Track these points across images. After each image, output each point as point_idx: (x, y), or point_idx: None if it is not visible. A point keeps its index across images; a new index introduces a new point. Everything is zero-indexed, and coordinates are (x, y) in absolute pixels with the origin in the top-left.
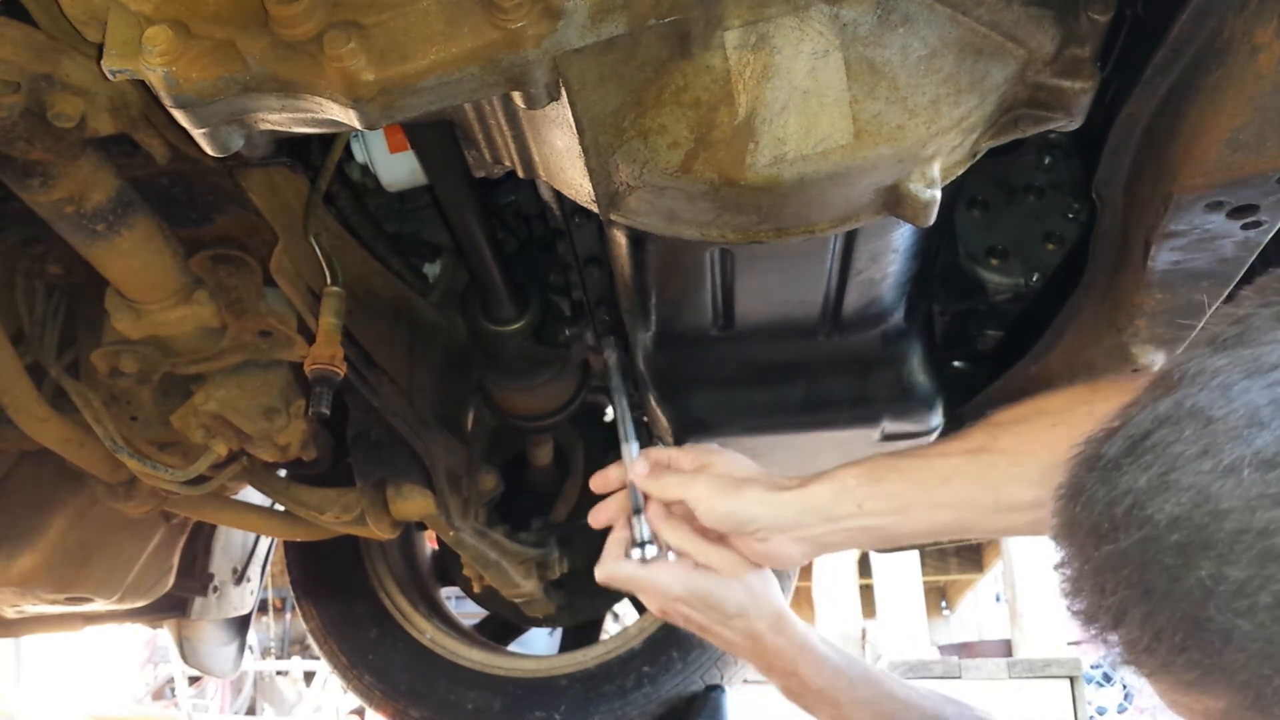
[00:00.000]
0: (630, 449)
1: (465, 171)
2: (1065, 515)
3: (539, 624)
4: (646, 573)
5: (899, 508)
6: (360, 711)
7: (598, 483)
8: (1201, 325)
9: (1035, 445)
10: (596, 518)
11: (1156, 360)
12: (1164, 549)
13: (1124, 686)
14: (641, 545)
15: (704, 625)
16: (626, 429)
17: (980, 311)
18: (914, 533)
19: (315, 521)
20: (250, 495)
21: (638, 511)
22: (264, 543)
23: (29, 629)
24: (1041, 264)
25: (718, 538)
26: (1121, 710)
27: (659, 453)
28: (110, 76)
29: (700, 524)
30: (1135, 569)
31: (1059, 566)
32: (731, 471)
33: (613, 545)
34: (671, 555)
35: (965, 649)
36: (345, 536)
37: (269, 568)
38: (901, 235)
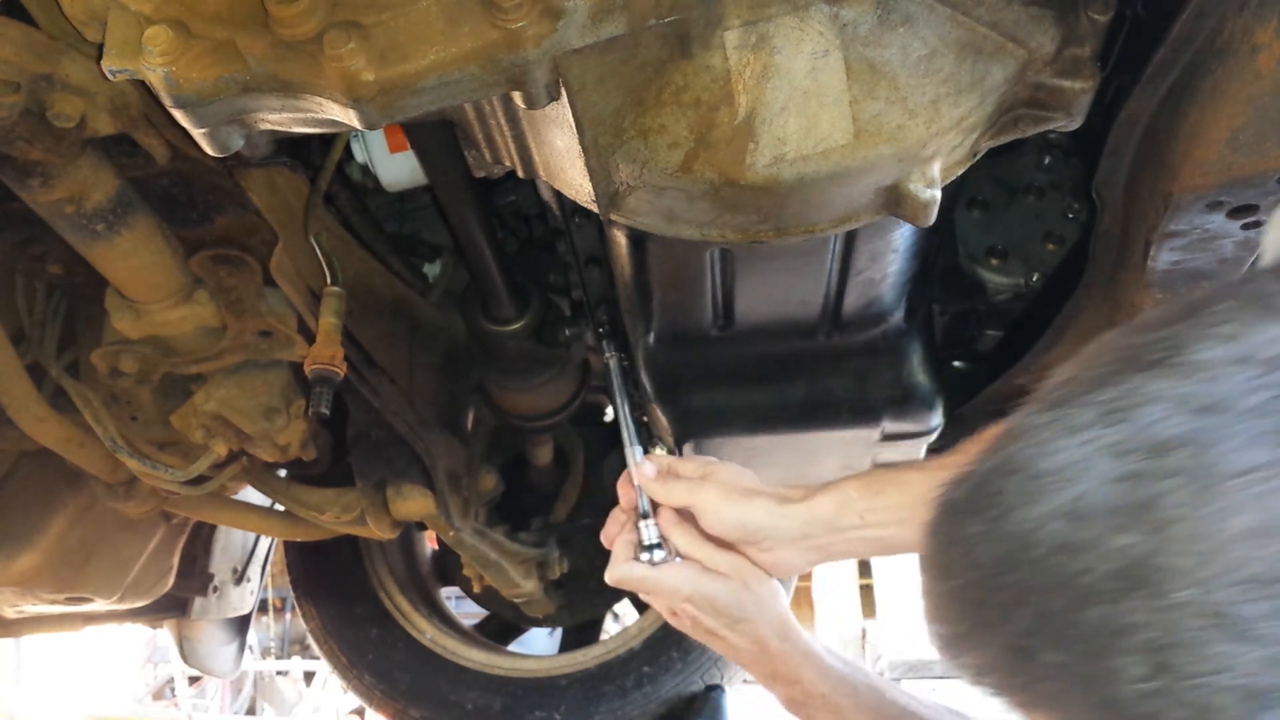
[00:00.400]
0: (634, 453)
1: (465, 171)
2: (923, 550)
3: (539, 624)
4: (656, 574)
5: (900, 519)
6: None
7: (621, 490)
8: (1047, 383)
9: None
10: (606, 535)
11: None
12: (993, 589)
13: None
14: (650, 548)
15: (710, 629)
16: (629, 433)
17: (980, 311)
18: (915, 543)
19: (315, 521)
20: (250, 495)
21: (645, 515)
22: (264, 543)
23: (29, 629)
24: (1041, 264)
25: (723, 544)
26: None
27: (663, 460)
28: (110, 76)
29: (705, 530)
30: (971, 605)
31: (921, 594)
32: (737, 481)
33: (621, 548)
34: (679, 559)
35: None
36: (345, 536)
37: (269, 568)
38: (901, 235)
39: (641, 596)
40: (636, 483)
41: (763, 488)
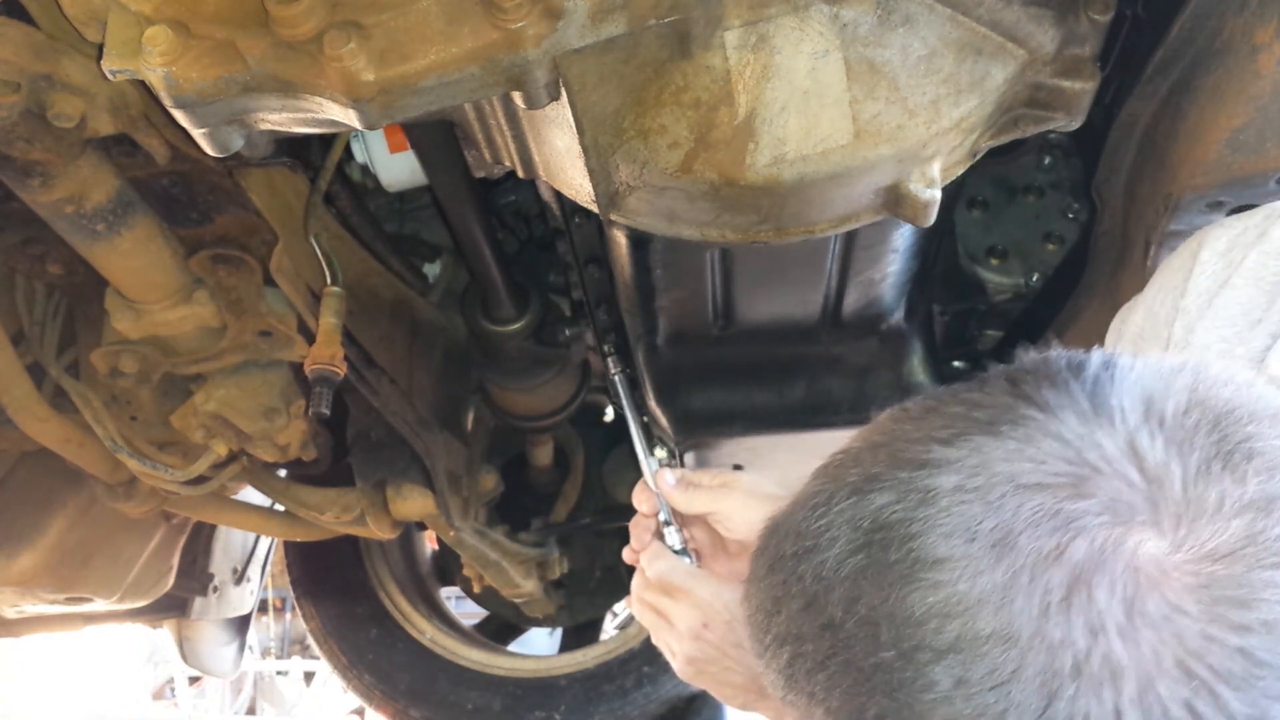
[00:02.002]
0: (649, 463)
1: (465, 171)
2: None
3: (539, 624)
4: (697, 572)
5: None
6: (360, 711)
7: (636, 500)
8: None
9: None
10: (638, 541)
11: None
12: (767, 627)
13: None
14: (678, 554)
15: (722, 651)
16: (643, 445)
17: (980, 311)
18: None
19: (315, 521)
20: (250, 495)
21: (668, 523)
22: (264, 543)
23: (29, 629)
24: (1041, 264)
25: (733, 555)
26: None
27: (682, 472)
28: (110, 76)
29: (726, 537)
30: (759, 630)
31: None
32: (759, 488)
33: (656, 545)
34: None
35: None
36: (345, 536)
37: (269, 568)
38: (901, 235)
39: (658, 609)
40: (656, 491)
41: (782, 493)
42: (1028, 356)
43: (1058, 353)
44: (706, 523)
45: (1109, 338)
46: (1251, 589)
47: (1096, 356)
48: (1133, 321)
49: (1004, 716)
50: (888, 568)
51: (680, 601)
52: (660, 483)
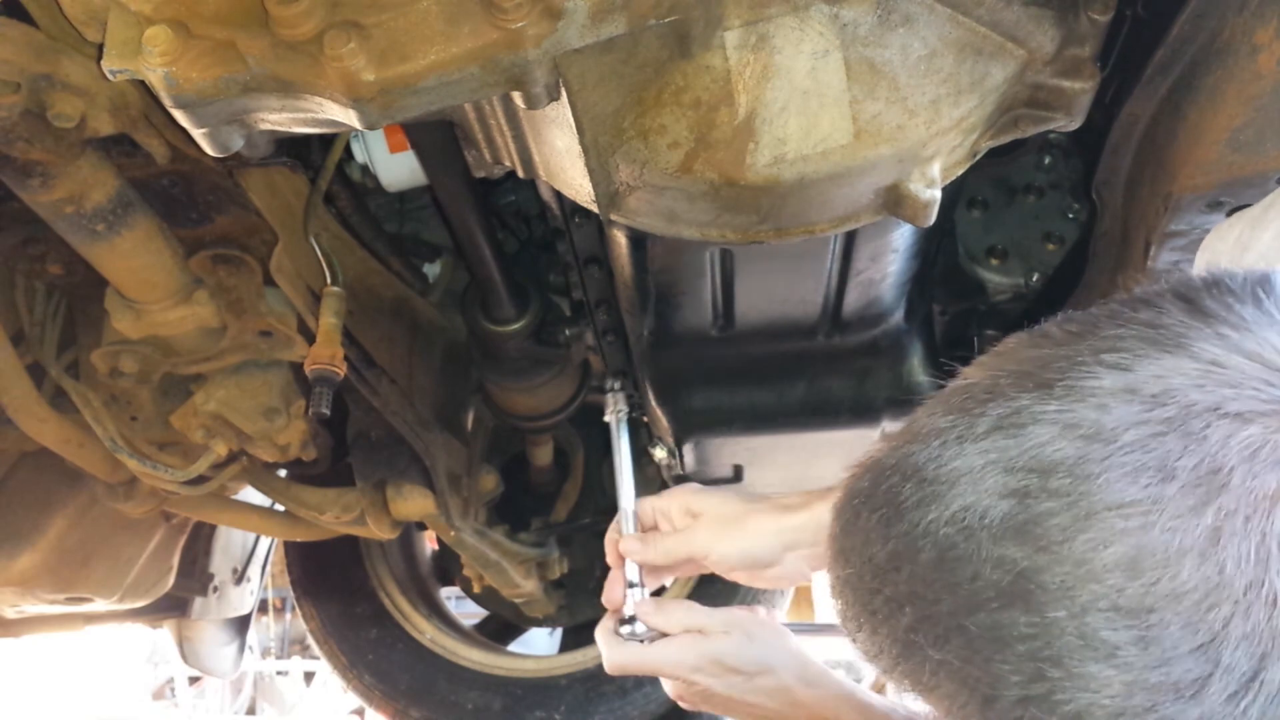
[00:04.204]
0: (627, 524)
1: (465, 171)
2: (829, 527)
3: (539, 624)
4: (655, 653)
5: None
6: (360, 711)
7: (609, 553)
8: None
9: None
10: (610, 600)
11: None
12: (883, 583)
13: None
14: (630, 621)
15: (728, 695)
16: (627, 498)
17: (980, 311)
18: None
19: (315, 521)
20: (250, 495)
21: (632, 585)
22: (264, 543)
23: (29, 629)
24: (1041, 264)
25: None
26: None
27: (646, 508)
28: (110, 76)
29: (716, 572)
30: (865, 593)
31: (826, 568)
32: (725, 510)
33: (605, 634)
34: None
35: None
36: (345, 536)
37: (269, 568)
38: (901, 235)
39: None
40: (622, 554)
41: (755, 504)
42: (1191, 273)
43: (1230, 269)
44: (694, 561)
45: (1200, 254)
46: None
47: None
48: (1260, 241)
49: (1206, 684)
50: (1054, 514)
51: (655, 674)
52: (628, 549)
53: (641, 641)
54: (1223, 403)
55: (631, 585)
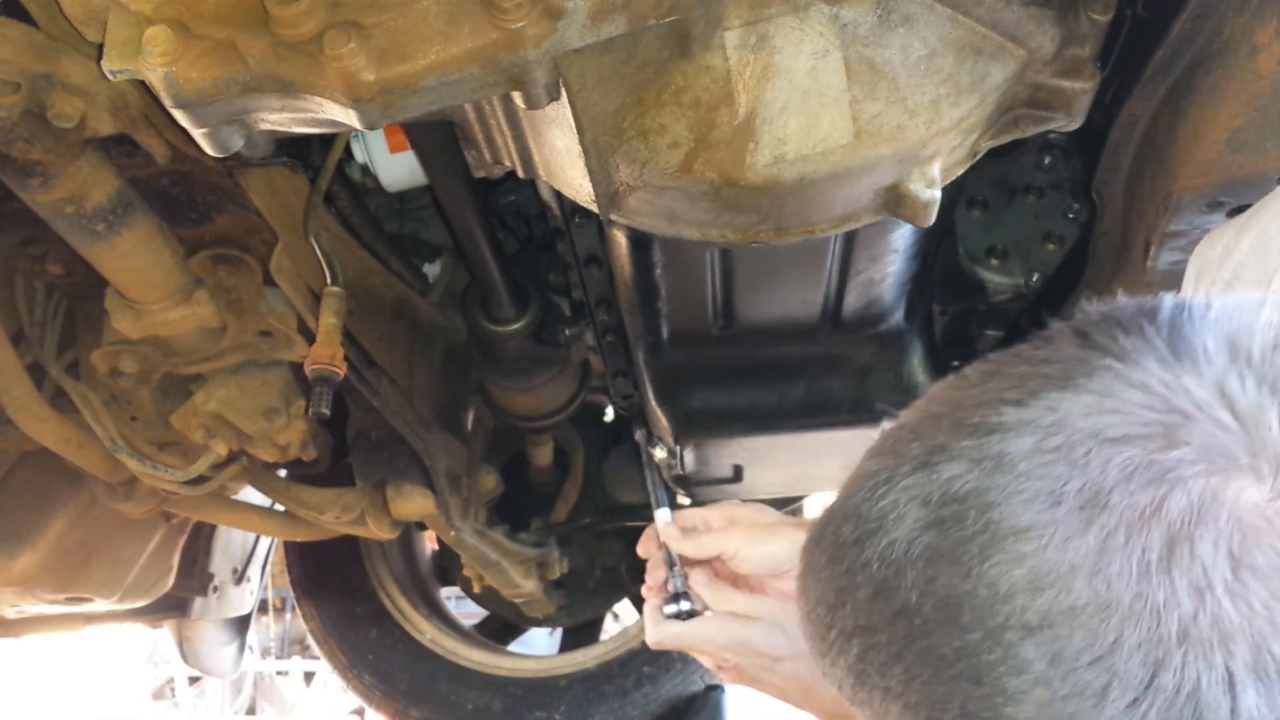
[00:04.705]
0: (661, 514)
1: (465, 171)
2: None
3: (539, 624)
4: (691, 628)
5: None
6: (360, 711)
7: (641, 550)
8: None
9: None
10: (647, 589)
11: None
12: (832, 621)
13: None
14: (677, 597)
15: (753, 674)
16: (657, 495)
17: (980, 311)
18: None
19: (315, 521)
20: (250, 495)
21: (671, 565)
22: (264, 543)
23: (29, 629)
24: (1041, 264)
25: (753, 587)
26: None
27: (691, 515)
28: (110, 76)
29: (738, 575)
30: (822, 627)
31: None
32: (761, 519)
33: (651, 610)
34: (710, 613)
35: None
36: (345, 536)
37: (269, 568)
38: (901, 235)
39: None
40: (661, 540)
41: (785, 519)
42: (1090, 307)
43: (1124, 300)
44: (722, 561)
45: (1191, 264)
46: None
47: (1168, 300)
48: (1239, 248)
49: (1106, 692)
50: (965, 543)
51: (691, 650)
52: (667, 535)
53: (681, 619)
54: (1104, 429)
55: (671, 565)
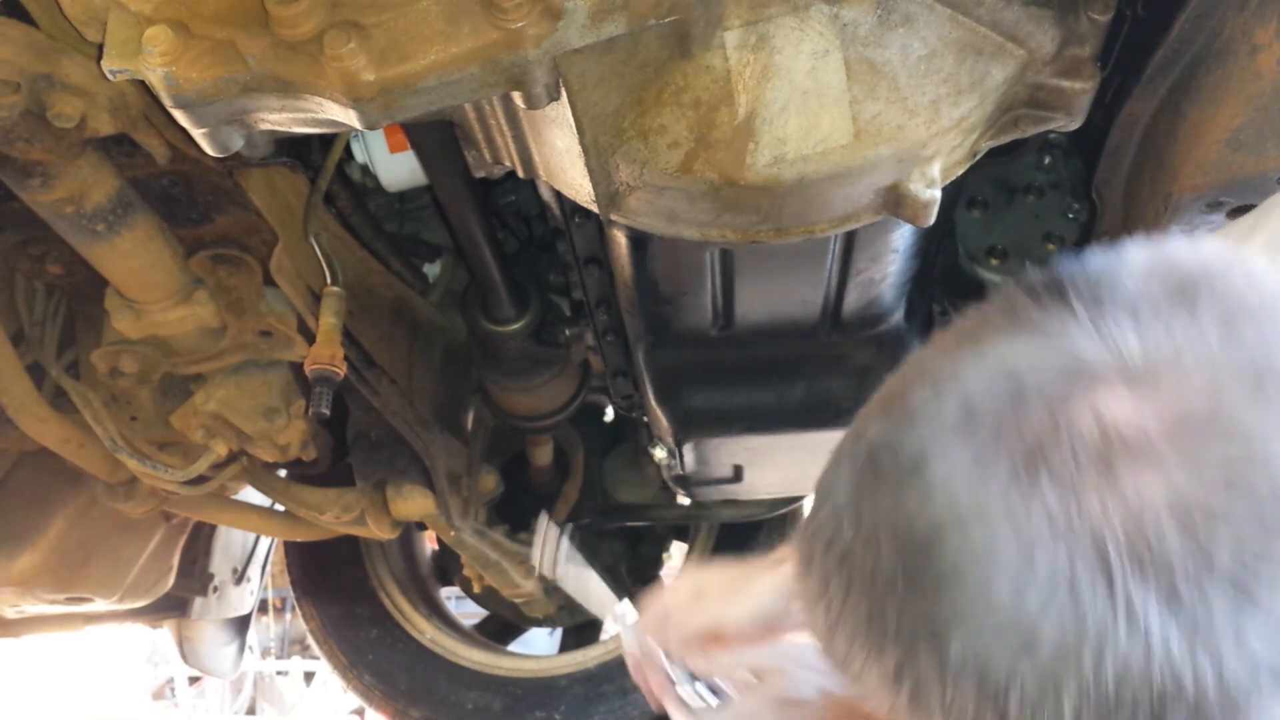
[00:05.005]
0: (624, 613)
1: (465, 171)
2: None
3: (539, 624)
4: (732, 714)
5: None
6: (360, 711)
7: (632, 667)
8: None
9: None
10: (654, 694)
11: None
12: (822, 594)
13: None
14: (691, 683)
15: None
16: (616, 596)
17: None
18: None
19: (315, 521)
20: (250, 495)
21: (668, 656)
22: (264, 543)
23: (29, 629)
24: (1041, 264)
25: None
26: None
27: (655, 607)
28: (110, 76)
29: (726, 638)
30: (818, 605)
31: None
32: (726, 578)
33: (676, 708)
34: (722, 682)
35: None
36: (345, 536)
37: (269, 568)
38: (901, 235)
39: None
40: (645, 642)
41: (752, 566)
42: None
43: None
44: (708, 635)
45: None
46: (1224, 424)
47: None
48: (1250, 249)
49: (987, 587)
50: (882, 478)
51: None
52: (648, 632)
53: (709, 699)
54: (986, 367)
55: (668, 656)
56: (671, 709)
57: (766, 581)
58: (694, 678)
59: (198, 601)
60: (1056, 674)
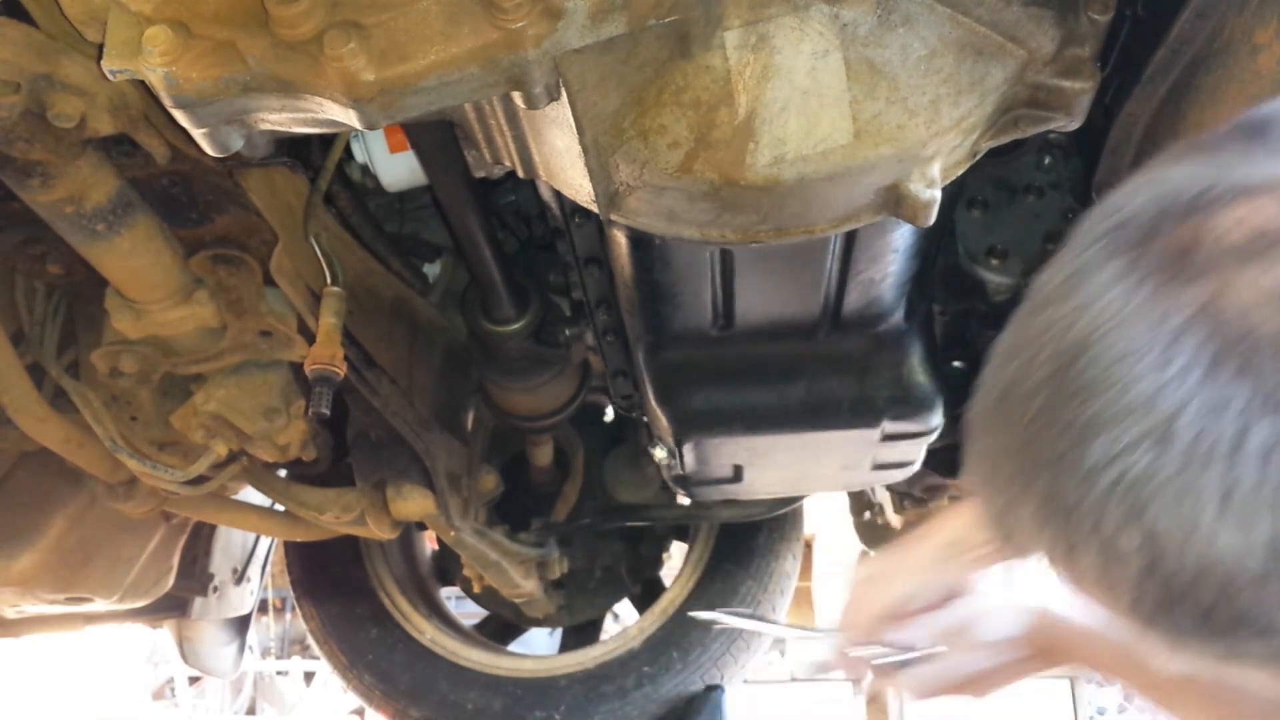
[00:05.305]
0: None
1: (465, 171)
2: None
3: (539, 624)
4: (940, 667)
5: None
6: (360, 711)
7: (838, 662)
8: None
9: None
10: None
11: None
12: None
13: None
14: (903, 653)
15: (1015, 672)
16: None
17: (980, 311)
18: None
19: (315, 521)
20: (250, 495)
21: (863, 645)
22: (264, 543)
23: (29, 629)
24: (1041, 264)
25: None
26: (1122, 710)
27: (844, 609)
28: (110, 76)
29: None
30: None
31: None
32: (889, 563)
33: (900, 674)
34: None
35: None
36: (345, 536)
37: (269, 568)
38: (901, 235)
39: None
40: (857, 628)
41: (903, 545)
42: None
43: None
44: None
45: None
46: None
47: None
48: None
49: (1128, 387)
50: (1037, 307)
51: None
52: (849, 627)
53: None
54: (1165, 195)
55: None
56: (885, 681)
57: (925, 550)
58: (903, 649)
59: (198, 601)
60: (1197, 462)
